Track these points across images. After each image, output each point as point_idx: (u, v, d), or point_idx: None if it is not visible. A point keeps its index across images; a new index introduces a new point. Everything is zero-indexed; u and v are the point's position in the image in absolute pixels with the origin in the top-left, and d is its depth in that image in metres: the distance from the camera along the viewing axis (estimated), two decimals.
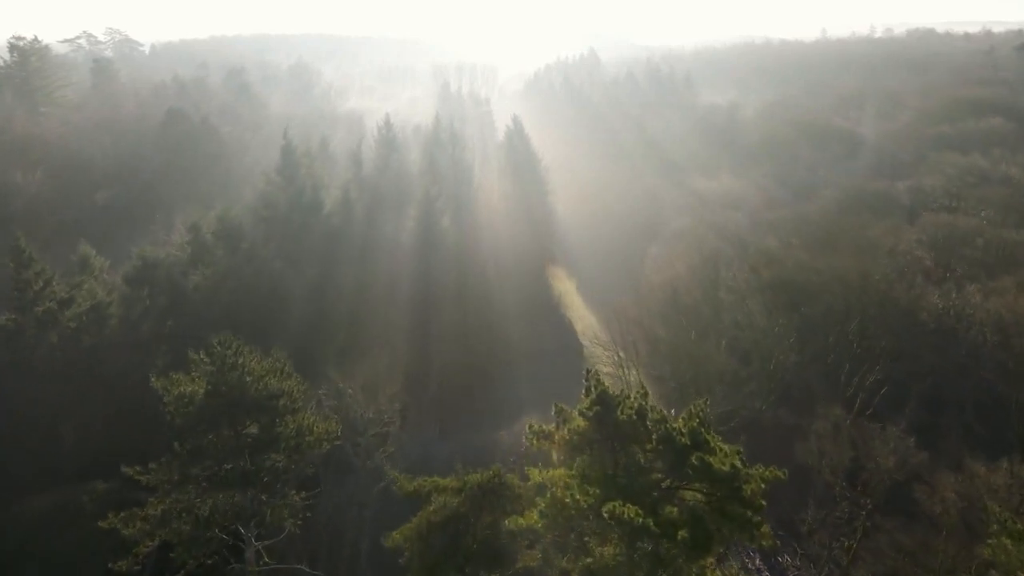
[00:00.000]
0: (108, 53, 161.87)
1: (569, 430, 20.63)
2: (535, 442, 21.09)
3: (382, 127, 72.44)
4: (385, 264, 56.98)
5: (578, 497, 18.49)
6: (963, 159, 79.04)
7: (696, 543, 17.18)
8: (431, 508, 21.58)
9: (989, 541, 18.41)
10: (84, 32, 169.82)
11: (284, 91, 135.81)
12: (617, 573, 18.43)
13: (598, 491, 18.69)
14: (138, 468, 24.56)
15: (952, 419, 38.51)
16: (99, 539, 25.65)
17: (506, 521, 20.71)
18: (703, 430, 19.54)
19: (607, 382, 26.08)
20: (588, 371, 21.86)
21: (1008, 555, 17.39)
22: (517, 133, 77.59)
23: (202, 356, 26.01)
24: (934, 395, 40.11)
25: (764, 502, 18.56)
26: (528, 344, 54.11)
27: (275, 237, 54.66)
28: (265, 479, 25.74)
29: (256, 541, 26.15)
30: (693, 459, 18.39)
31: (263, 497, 25.61)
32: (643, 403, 20.36)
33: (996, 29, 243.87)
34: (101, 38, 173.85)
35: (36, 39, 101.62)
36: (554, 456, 21.69)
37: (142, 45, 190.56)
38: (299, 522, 26.58)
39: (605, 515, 17.33)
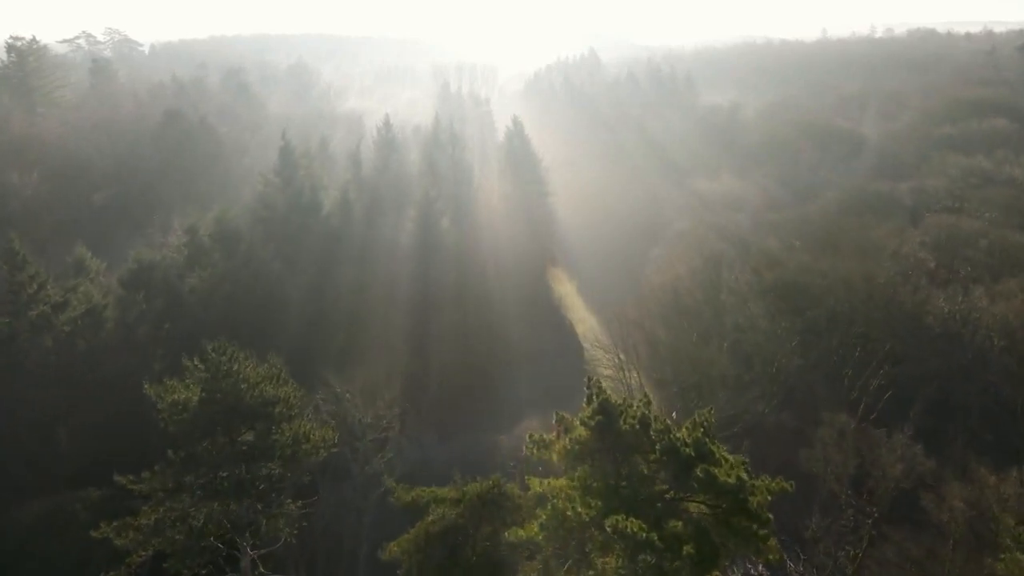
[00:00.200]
0: (107, 53, 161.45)
1: (570, 440, 20.18)
2: (535, 451, 20.66)
3: (381, 127, 72.08)
4: (384, 265, 56.64)
5: (580, 510, 18.05)
6: (966, 160, 78.46)
7: (702, 558, 16.73)
8: (429, 519, 21.15)
9: (1002, 556, 17.97)
10: (83, 32, 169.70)
11: (283, 91, 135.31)
12: None
13: (600, 503, 18.24)
14: (131, 477, 24.08)
15: (958, 424, 38.03)
16: (93, 548, 25.25)
17: (506, 533, 20.26)
18: (708, 440, 19.09)
19: (608, 385, 25.72)
20: (589, 379, 21.37)
21: (1021, 570, 16.95)
22: (517, 134, 77.15)
23: (196, 362, 25.56)
24: (939, 400, 39.64)
25: (770, 515, 18.11)
26: (528, 345, 53.81)
27: (273, 239, 54.27)
28: (261, 487, 25.28)
29: (252, 550, 25.69)
30: (698, 471, 17.93)
31: (258, 506, 25.16)
32: (646, 412, 19.89)
33: (997, 29, 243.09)
34: (100, 38, 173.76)
35: (34, 39, 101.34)
36: (554, 458, 21.24)
37: (141, 45, 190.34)
38: (295, 531, 26.13)
39: (608, 529, 16.88)
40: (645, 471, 19.36)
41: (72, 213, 68.58)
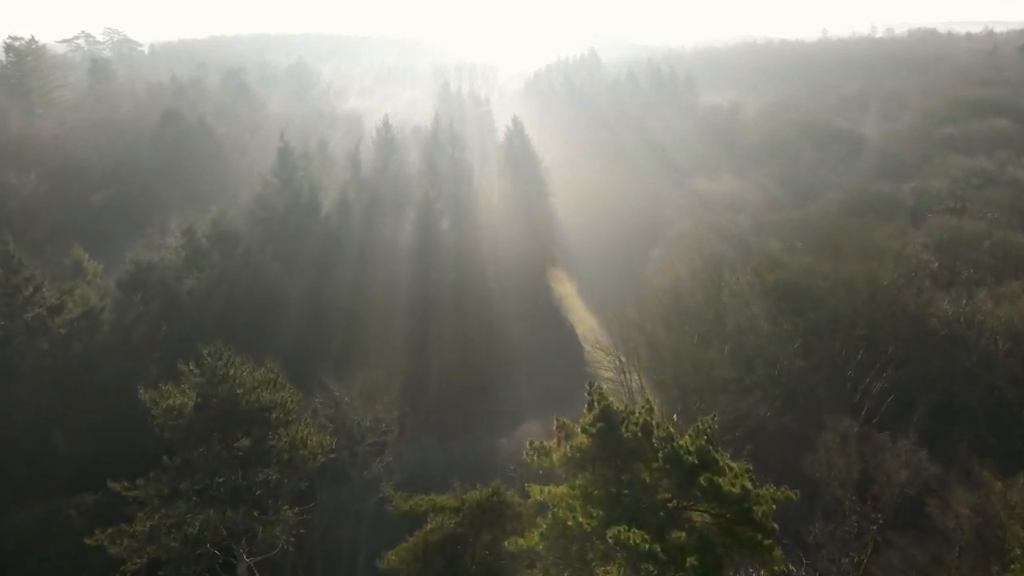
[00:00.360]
0: (107, 53, 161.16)
1: (571, 447, 19.82)
2: (535, 458, 20.30)
3: (381, 128, 71.74)
4: (384, 266, 56.33)
5: (581, 519, 17.70)
6: (968, 161, 78.09)
7: (705, 570, 16.38)
8: (428, 527, 20.81)
9: (1012, 566, 17.64)
10: (83, 32, 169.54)
11: (283, 91, 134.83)
12: None
13: (601, 512, 17.89)
14: (126, 484, 23.76)
15: (963, 428, 37.70)
16: (88, 554, 24.94)
17: (506, 542, 19.92)
18: (711, 448, 18.73)
19: (608, 388, 25.37)
20: (590, 384, 21.02)
21: None
22: (517, 134, 76.84)
23: (192, 367, 25.23)
24: (944, 403, 39.30)
25: (775, 525, 17.76)
26: (528, 346, 53.54)
27: (272, 240, 53.97)
28: (257, 493, 24.99)
29: (248, 557, 25.36)
30: (702, 480, 17.58)
31: (255, 513, 24.85)
32: (648, 419, 19.53)
33: (998, 29, 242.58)
34: (100, 38, 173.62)
35: (32, 39, 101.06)
36: (555, 462, 20.88)
37: (141, 45, 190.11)
38: (292, 538, 25.81)
39: (610, 540, 16.54)
40: (647, 479, 19.00)
41: (70, 214, 68.25)
